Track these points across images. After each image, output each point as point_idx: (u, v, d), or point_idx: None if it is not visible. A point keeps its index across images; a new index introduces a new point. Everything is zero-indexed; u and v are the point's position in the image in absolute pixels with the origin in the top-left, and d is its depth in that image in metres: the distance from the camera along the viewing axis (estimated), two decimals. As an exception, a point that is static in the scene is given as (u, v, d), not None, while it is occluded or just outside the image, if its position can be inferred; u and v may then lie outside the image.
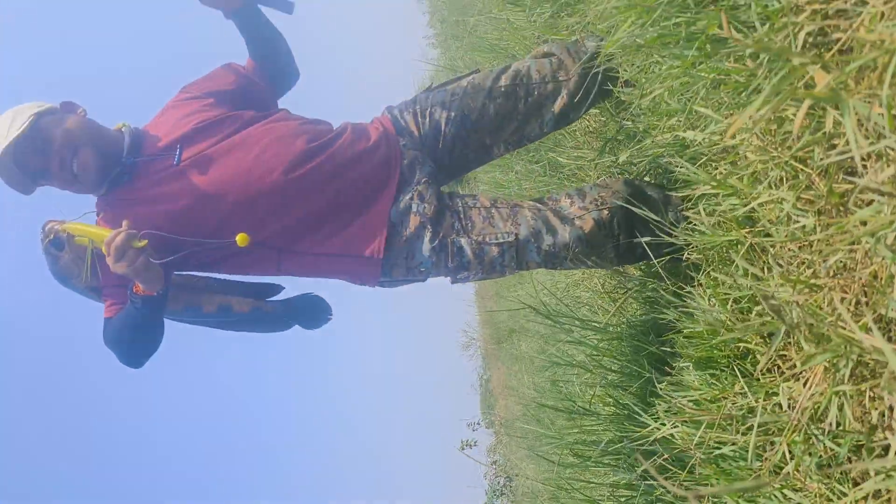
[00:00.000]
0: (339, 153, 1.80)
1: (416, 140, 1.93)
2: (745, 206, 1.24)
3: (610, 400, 2.15)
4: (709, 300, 1.51)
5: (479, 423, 12.41)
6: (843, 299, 0.96)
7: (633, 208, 1.74)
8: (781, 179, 1.12)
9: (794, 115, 1.01)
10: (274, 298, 1.97)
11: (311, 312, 1.98)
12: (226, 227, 1.70)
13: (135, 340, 1.71)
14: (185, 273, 1.84)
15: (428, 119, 1.94)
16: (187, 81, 1.93)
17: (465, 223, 1.79)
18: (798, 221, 1.10)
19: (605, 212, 1.78)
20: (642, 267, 2.36)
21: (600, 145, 2.51)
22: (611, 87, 1.86)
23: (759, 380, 1.32)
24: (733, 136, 1.11)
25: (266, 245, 1.73)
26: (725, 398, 1.35)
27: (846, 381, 0.92)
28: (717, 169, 1.34)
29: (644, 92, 1.51)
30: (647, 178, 2.05)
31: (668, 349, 1.74)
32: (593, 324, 2.31)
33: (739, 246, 1.40)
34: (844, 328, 0.91)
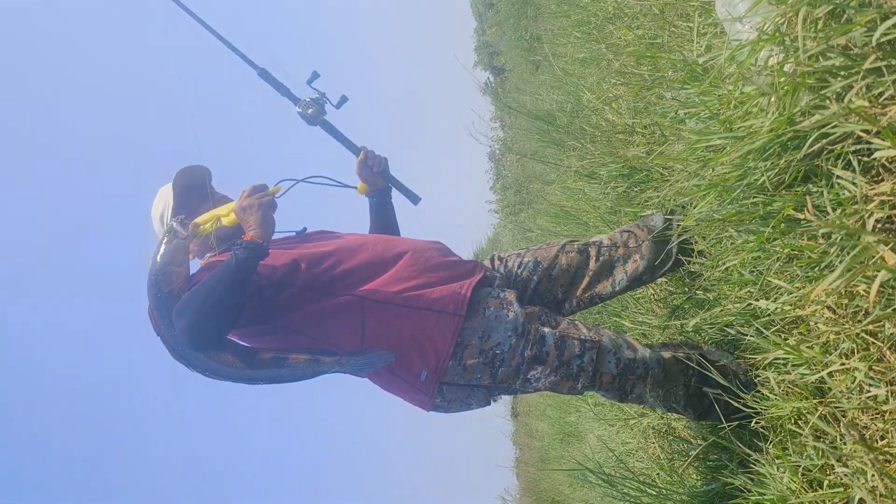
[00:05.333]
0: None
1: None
2: (816, 375, 1.31)
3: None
4: (777, 469, 1.53)
5: None
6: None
7: (705, 369, 1.82)
8: (853, 351, 1.20)
9: (865, 290, 1.11)
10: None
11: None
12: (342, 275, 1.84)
13: (223, 301, 1.66)
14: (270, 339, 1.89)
15: (504, 263, 2.11)
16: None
17: (550, 319, 1.87)
18: (870, 391, 1.16)
19: (682, 354, 1.87)
20: (705, 435, 2.37)
21: (666, 313, 2.61)
22: (683, 259, 1.99)
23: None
24: (810, 305, 1.20)
25: (352, 293, 1.82)
26: (797, 569, 1.34)
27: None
28: (787, 338, 1.42)
29: (717, 263, 1.63)
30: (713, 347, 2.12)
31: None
32: (654, 489, 2.28)
33: (810, 416, 1.45)
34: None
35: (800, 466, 1.44)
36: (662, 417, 2.94)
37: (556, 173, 3.32)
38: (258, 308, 1.81)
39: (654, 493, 2.31)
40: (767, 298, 1.41)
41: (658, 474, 2.77)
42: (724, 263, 1.52)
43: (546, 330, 1.82)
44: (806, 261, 1.19)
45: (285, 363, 1.77)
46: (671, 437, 2.90)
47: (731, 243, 1.47)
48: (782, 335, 1.46)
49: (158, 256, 1.80)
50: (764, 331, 1.44)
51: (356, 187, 2.17)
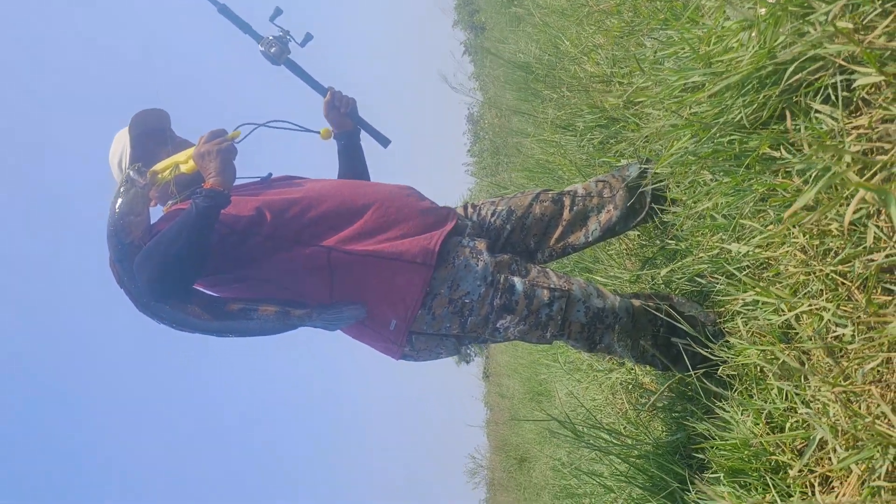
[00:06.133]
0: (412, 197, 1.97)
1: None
2: (784, 317, 1.31)
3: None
4: (741, 413, 1.54)
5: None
6: (883, 396, 1.00)
7: (675, 319, 1.82)
8: (821, 291, 1.20)
9: (837, 229, 1.10)
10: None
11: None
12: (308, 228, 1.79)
13: (185, 251, 1.61)
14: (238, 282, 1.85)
15: (477, 211, 2.08)
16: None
17: (521, 268, 1.85)
18: (836, 331, 1.16)
19: (652, 304, 1.87)
20: (672, 387, 2.39)
21: (637, 266, 2.61)
22: (657, 208, 1.98)
23: (791, 495, 1.33)
24: (781, 246, 1.19)
25: (319, 244, 1.78)
26: (756, 509, 1.35)
27: (882, 478, 0.95)
28: (758, 282, 1.42)
29: (690, 208, 1.62)
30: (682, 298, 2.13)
31: (699, 458, 1.74)
32: (621, 440, 2.30)
33: (775, 360, 1.45)
34: (882, 426, 0.95)
35: (763, 411, 1.45)
36: (630, 372, 2.97)
37: (533, 126, 3.28)
38: (223, 257, 1.77)
39: (619, 444, 2.33)
40: (740, 242, 1.40)
41: (624, 427, 2.80)
42: (697, 208, 1.51)
43: (516, 279, 1.81)
44: (780, 200, 1.17)
45: (254, 315, 1.74)
46: (638, 392, 2.94)
47: (706, 186, 1.45)
48: (753, 279, 1.46)
49: (116, 206, 1.75)
50: (735, 273, 1.43)
51: (319, 132, 2.09)
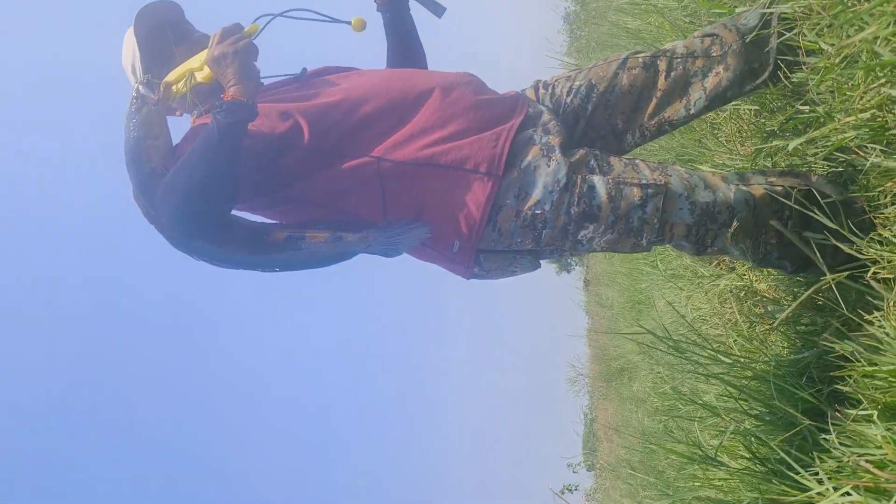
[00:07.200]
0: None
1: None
2: None
3: (742, 452, 1.76)
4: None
5: (580, 464, 11.87)
6: None
7: (807, 209, 1.40)
8: None
9: None
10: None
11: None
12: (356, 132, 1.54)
13: (210, 178, 1.39)
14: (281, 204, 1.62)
15: (550, 91, 1.69)
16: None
17: (602, 164, 1.50)
18: None
19: (780, 188, 1.47)
20: (798, 295, 1.96)
21: (748, 151, 2.13)
22: (782, 62, 1.52)
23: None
24: None
25: (366, 153, 1.53)
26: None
27: None
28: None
29: (837, 54, 1.16)
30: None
31: (834, 386, 1.35)
32: (731, 358, 1.92)
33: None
34: None
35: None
36: (742, 277, 2.54)
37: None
38: (262, 179, 1.53)
39: (729, 361, 1.94)
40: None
41: (735, 340, 2.40)
42: (850, 41, 1.05)
43: (595, 178, 1.47)
44: None
45: (302, 244, 1.54)
46: (752, 300, 2.51)
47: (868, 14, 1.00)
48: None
49: (131, 129, 1.53)
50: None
51: (349, 23, 1.69)
